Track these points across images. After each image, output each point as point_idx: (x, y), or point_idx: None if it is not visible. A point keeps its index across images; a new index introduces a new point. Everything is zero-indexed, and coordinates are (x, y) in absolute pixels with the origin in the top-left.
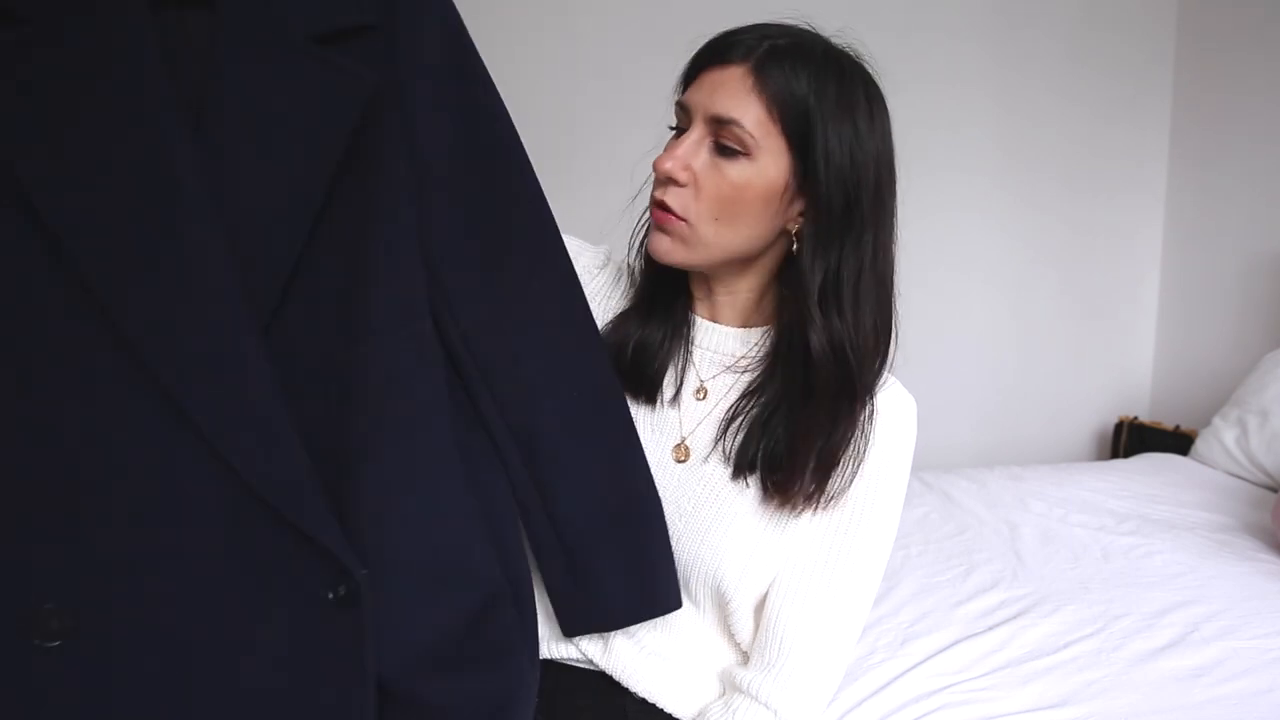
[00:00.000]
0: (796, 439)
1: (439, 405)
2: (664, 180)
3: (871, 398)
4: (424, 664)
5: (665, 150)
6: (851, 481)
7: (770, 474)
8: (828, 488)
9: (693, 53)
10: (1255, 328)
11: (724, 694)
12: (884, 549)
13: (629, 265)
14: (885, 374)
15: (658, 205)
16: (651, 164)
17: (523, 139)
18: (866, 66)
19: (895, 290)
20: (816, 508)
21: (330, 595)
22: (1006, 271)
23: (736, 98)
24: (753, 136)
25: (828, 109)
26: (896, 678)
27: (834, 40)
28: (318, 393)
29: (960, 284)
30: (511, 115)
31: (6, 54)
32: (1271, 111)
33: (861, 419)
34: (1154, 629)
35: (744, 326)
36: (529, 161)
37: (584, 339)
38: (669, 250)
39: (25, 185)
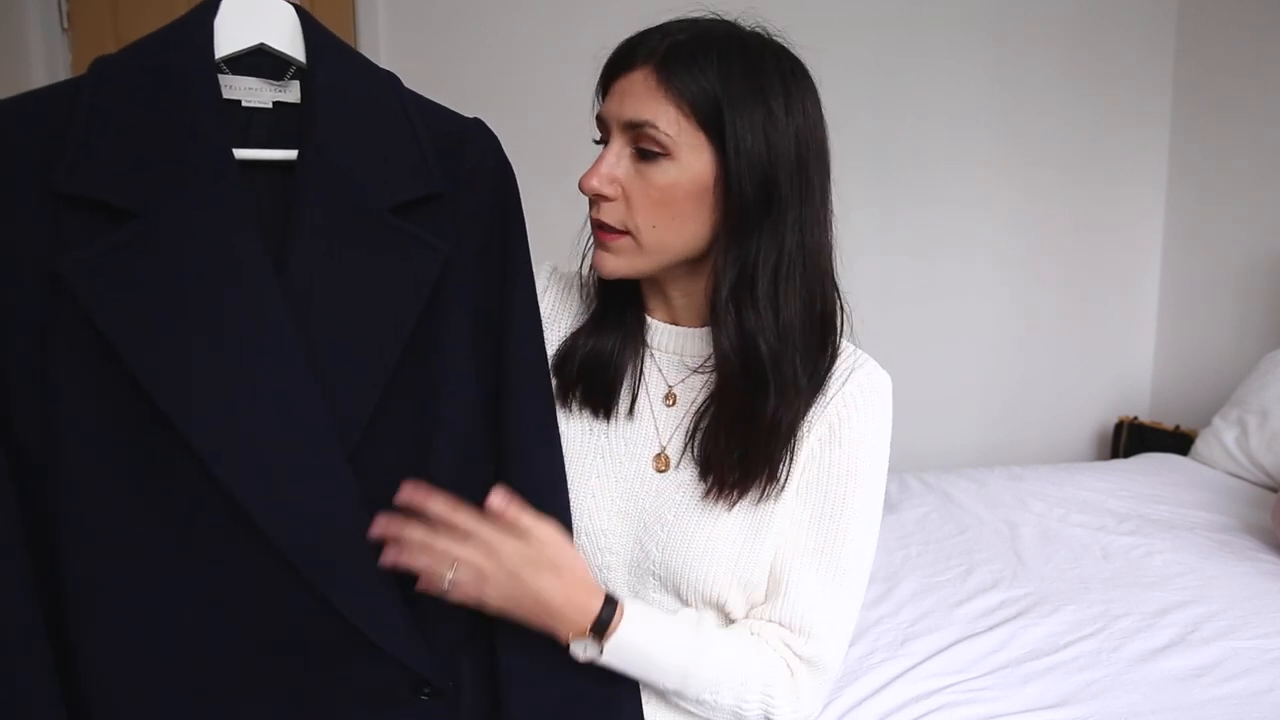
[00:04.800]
0: (726, 436)
1: None
2: (594, 198)
3: (804, 393)
4: None
5: (591, 166)
6: (794, 469)
7: (721, 472)
8: (759, 478)
9: (601, 64)
10: (1255, 328)
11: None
12: (871, 526)
13: (580, 277)
14: (847, 348)
15: (596, 225)
16: (578, 184)
17: (525, 142)
18: (779, 42)
19: (835, 264)
20: (772, 496)
21: (423, 694)
22: (1007, 273)
23: (644, 100)
24: (669, 136)
25: (736, 96)
26: (896, 678)
27: (742, 22)
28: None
29: (961, 284)
30: (511, 119)
31: (120, 254)
32: (1272, 108)
33: (795, 417)
34: (1154, 629)
35: (705, 326)
36: (540, 325)
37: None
38: (615, 266)
39: (140, 376)
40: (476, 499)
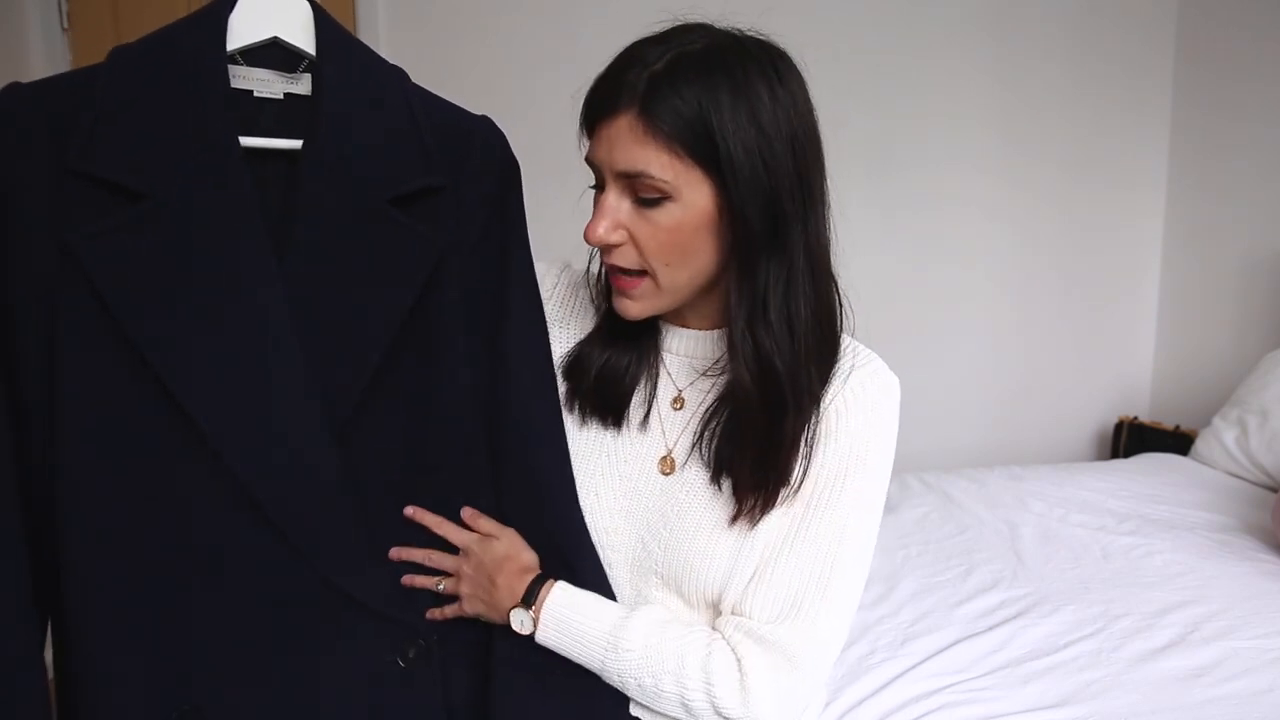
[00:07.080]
0: (740, 446)
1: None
2: (602, 247)
3: (818, 397)
4: None
5: (593, 215)
6: (805, 478)
7: (747, 494)
8: (781, 488)
9: (582, 99)
10: (1255, 328)
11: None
12: (862, 525)
13: (588, 276)
14: (849, 347)
15: (613, 271)
16: (583, 235)
17: (525, 142)
18: (756, 36)
19: (834, 266)
20: (779, 504)
21: (401, 662)
22: (1007, 273)
23: (633, 149)
24: (666, 180)
25: (725, 115)
26: (896, 678)
27: (718, 25)
28: (374, 515)
29: (961, 284)
30: (511, 119)
31: (126, 231)
32: (1272, 108)
33: (808, 421)
34: (1154, 629)
35: (715, 328)
36: (542, 319)
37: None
38: (640, 310)
39: (140, 344)
40: (473, 484)
